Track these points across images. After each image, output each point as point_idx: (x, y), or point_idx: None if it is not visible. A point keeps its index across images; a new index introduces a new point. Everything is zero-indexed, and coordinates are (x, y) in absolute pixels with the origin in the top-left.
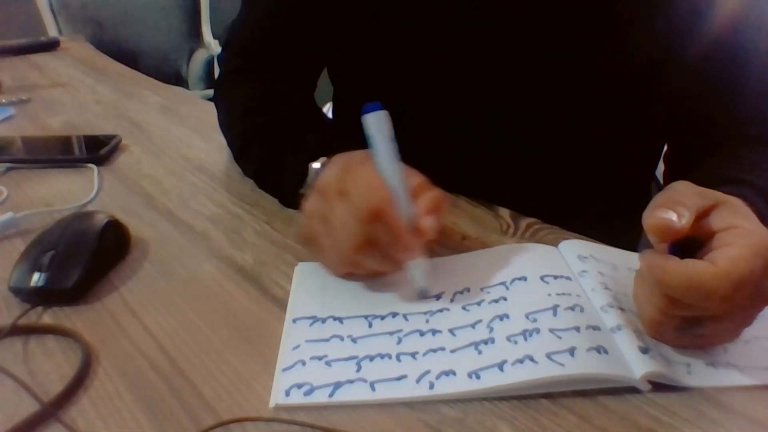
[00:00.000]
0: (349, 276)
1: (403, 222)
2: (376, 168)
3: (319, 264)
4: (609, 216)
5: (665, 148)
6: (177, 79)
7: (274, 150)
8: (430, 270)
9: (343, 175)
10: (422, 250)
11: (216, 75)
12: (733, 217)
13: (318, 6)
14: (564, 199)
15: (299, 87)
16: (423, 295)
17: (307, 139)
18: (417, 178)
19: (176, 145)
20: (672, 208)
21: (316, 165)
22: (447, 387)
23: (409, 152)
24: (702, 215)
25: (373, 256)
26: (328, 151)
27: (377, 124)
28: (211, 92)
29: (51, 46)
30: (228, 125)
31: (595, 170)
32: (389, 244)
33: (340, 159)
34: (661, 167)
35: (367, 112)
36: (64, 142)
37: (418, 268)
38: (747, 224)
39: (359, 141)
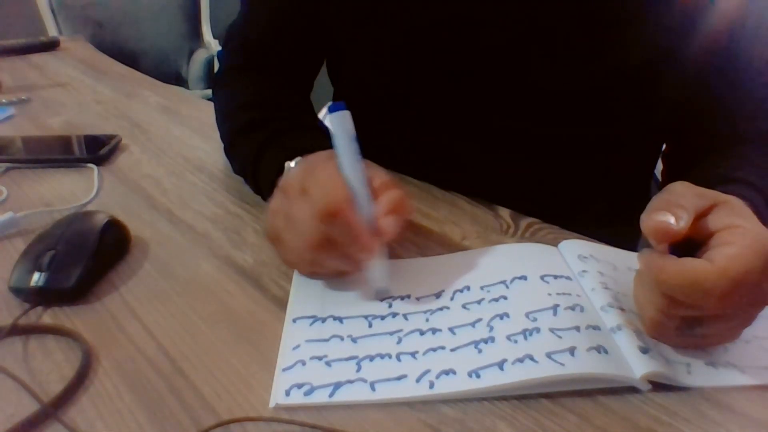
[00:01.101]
0: (313, 275)
1: (362, 221)
2: (339, 167)
3: (284, 260)
4: (609, 215)
5: (663, 146)
6: (177, 79)
7: (254, 148)
8: (389, 271)
9: (305, 174)
10: (382, 251)
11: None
12: (732, 217)
13: (317, 4)
14: (563, 198)
15: (296, 86)
16: (381, 295)
17: (286, 138)
18: (381, 177)
19: (176, 145)
20: (670, 210)
21: (291, 164)
22: (447, 386)
23: (407, 150)
24: (701, 215)
25: (331, 255)
26: (306, 150)
27: (340, 123)
28: (211, 92)
29: (51, 46)
30: (220, 121)
31: (594, 169)
32: (347, 243)
33: (308, 158)
34: (659, 166)
35: (332, 111)
36: (64, 142)
37: (377, 268)
38: (746, 223)
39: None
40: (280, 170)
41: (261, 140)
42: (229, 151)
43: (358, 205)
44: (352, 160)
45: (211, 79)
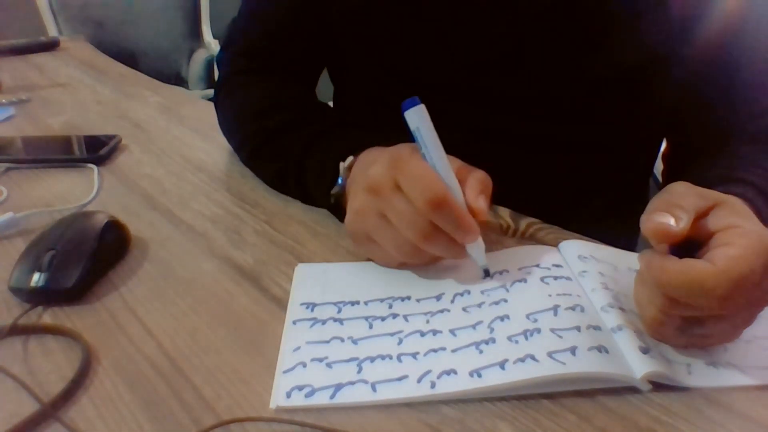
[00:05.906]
0: (402, 266)
1: (462, 207)
2: (425, 159)
3: (374, 258)
4: (607, 214)
5: (663, 146)
6: (177, 79)
7: (295, 150)
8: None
9: (393, 171)
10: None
11: (216, 75)
12: (733, 217)
13: (323, 4)
14: (563, 196)
15: (304, 86)
16: (486, 274)
17: (331, 138)
18: (456, 163)
19: (176, 145)
20: (669, 211)
21: (344, 164)
22: (448, 386)
23: None
24: (701, 215)
25: (438, 244)
26: (353, 149)
27: (422, 117)
28: (211, 92)
29: (51, 46)
30: (237, 126)
31: (592, 167)
32: (452, 230)
33: (375, 155)
34: (659, 166)
35: (407, 108)
36: (64, 142)
37: (476, 248)
38: (746, 224)
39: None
40: (334, 171)
41: (301, 142)
42: (256, 156)
43: (452, 192)
44: (440, 152)
45: (211, 79)
